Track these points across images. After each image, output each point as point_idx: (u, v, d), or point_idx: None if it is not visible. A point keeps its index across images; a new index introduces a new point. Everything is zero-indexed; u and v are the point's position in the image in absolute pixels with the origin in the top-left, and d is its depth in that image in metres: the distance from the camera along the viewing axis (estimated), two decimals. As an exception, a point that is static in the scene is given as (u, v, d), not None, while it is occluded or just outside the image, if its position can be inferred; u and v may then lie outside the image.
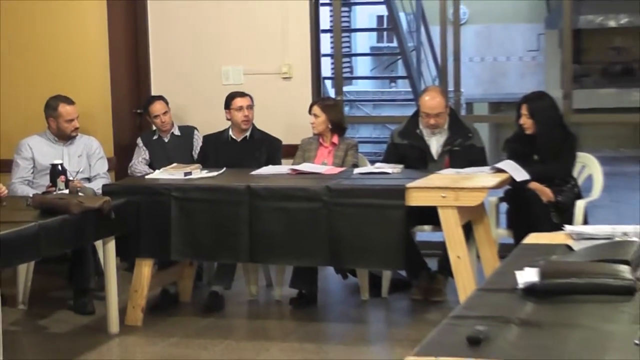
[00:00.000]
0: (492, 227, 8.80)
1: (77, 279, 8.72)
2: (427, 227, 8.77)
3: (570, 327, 4.10)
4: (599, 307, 4.36)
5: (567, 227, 6.20)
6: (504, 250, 8.54)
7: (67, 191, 7.99)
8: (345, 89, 11.79)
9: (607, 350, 3.79)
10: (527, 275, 4.64)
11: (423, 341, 4.00)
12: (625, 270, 4.71)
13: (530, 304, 4.39)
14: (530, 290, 4.51)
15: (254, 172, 8.82)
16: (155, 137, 9.76)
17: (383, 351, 8.28)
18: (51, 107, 9.09)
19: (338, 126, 9.28)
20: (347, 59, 13.76)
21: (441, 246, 8.54)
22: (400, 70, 16.13)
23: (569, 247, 5.47)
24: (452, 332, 4.03)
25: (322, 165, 8.91)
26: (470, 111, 16.38)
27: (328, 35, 11.59)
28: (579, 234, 5.81)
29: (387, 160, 9.16)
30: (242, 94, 9.52)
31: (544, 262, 4.82)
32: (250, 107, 9.47)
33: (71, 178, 8.29)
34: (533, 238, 6.07)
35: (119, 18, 10.16)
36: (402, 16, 15.55)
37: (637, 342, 3.82)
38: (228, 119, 9.48)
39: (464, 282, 7.89)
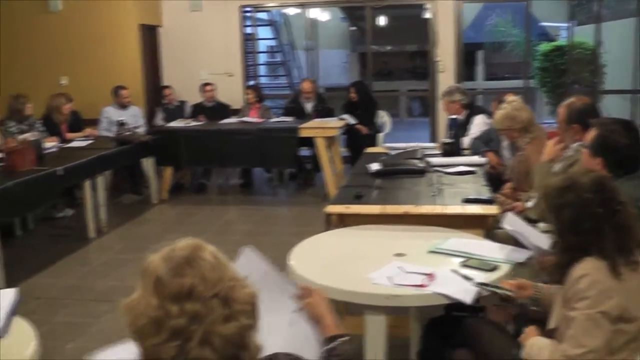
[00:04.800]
0: (339, 147, 8.87)
1: (134, 177, 8.63)
2: (305, 148, 8.76)
3: (400, 189, 4.24)
4: (411, 179, 4.50)
5: (385, 144, 6.33)
6: (345, 160, 8.73)
7: (128, 133, 7.90)
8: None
9: (420, 198, 3.91)
10: (374, 166, 4.75)
11: (332, 198, 4.09)
12: (418, 161, 4.87)
13: (379, 180, 4.50)
14: (377, 173, 4.62)
15: (221, 122, 8.78)
16: (166, 106, 9.59)
17: (290, 207, 8.41)
18: (116, 91, 8.94)
19: (260, 98, 9.25)
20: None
21: (313, 158, 8.66)
22: (281, 72, 16.03)
23: (388, 153, 5.59)
24: (345, 193, 4.12)
25: (253, 118, 8.87)
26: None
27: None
28: (390, 147, 5.93)
29: (285, 115, 9.17)
30: (208, 83, 9.44)
31: (381, 159, 4.93)
32: (213, 90, 9.42)
33: (129, 127, 8.17)
34: (369, 150, 6.17)
35: (146, 44, 9.97)
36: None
37: (432, 194, 3.95)
38: (202, 95, 9.45)
39: (327, 174, 8.00)
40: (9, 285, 4.91)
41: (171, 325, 1.42)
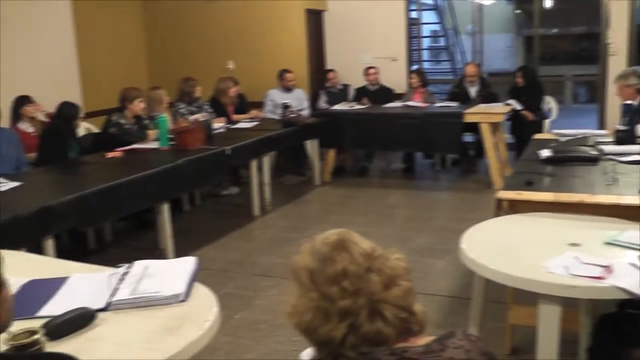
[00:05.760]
0: (503, 134, 8.65)
1: (298, 159, 8.81)
2: (468, 134, 8.60)
3: (572, 177, 4.07)
4: (584, 167, 4.32)
5: (553, 131, 6.11)
6: (509, 147, 8.54)
7: (293, 115, 8.03)
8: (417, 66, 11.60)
9: (594, 187, 3.75)
10: (545, 152, 4.59)
11: (503, 184, 3.99)
12: (590, 148, 4.68)
13: (550, 166, 4.34)
14: (548, 160, 4.47)
15: (384, 105, 8.77)
16: (329, 90, 9.69)
17: (452, 192, 8.22)
18: (281, 74, 9.14)
19: (424, 83, 9.16)
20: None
21: (476, 144, 8.52)
22: (443, 57, 15.91)
23: (557, 140, 5.39)
24: (515, 180, 4.00)
25: (417, 102, 8.79)
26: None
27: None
28: (560, 133, 5.72)
29: (449, 100, 9.02)
30: (371, 67, 9.47)
31: (551, 146, 4.77)
32: (376, 73, 9.43)
33: (294, 109, 8.29)
34: (537, 136, 5.97)
35: (311, 28, 10.10)
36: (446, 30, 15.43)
37: (607, 183, 3.78)
38: (365, 78, 9.47)
39: (491, 161, 7.85)
40: (177, 255, 5.15)
41: (338, 308, 1.46)
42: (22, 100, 7.08)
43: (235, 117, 8.48)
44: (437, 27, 15.68)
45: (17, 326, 1.88)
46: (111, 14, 9.87)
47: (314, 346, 1.52)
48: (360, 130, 8.30)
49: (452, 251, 5.34)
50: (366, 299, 1.46)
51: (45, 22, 8.42)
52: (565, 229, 3.16)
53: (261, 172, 7.21)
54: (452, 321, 4.24)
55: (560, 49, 19.97)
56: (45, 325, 2.01)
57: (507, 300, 3.78)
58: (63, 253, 4.03)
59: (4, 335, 1.78)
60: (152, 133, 6.73)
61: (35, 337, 1.85)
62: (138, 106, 6.80)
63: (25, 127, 7.03)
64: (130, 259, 2.65)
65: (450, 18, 15.35)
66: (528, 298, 2.95)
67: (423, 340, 1.50)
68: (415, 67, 10.53)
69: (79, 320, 2.13)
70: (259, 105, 9.20)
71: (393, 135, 8.15)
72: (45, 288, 2.45)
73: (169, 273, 2.44)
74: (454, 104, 8.63)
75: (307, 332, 1.51)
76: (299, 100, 9.09)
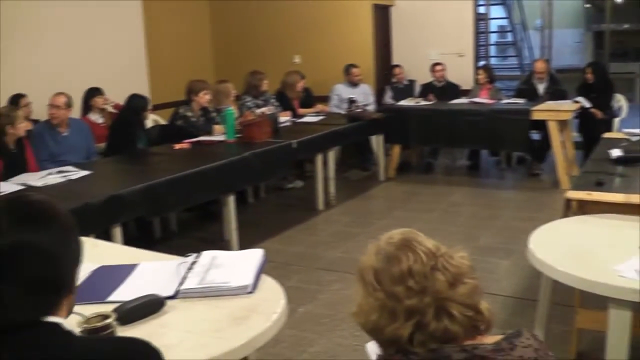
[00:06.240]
0: (571, 132, 8.48)
1: (362, 154, 8.81)
2: (534, 131, 8.41)
3: (645, 178, 3.97)
4: (657, 168, 4.20)
5: (624, 130, 5.97)
6: (576, 145, 8.38)
7: (359, 110, 8.00)
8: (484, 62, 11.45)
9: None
10: (616, 152, 4.49)
11: (571, 184, 3.92)
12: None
13: (620, 167, 4.25)
14: (619, 160, 4.37)
15: (450, 102, 8.68)
16: (395, 85, 9.64)
17: (518, 191, 8.06)
18: (347, 69, 9.13)
19: (491, 79, 9.04)
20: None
21: (542, 142, 8.36)
22: (511, 52, 15.71)
23: (628, 139, 5.27)
24: (584, 179, 3.92)
25: (484, 99, 8.67)
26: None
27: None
28: (631, 132, 5.58)
29: (516, 97, 8.86)
30: (438, 63, 9.33)
31: (622, 145, 4.67)
32: (443, 70, 9.32)
33: (359, 104, 8.26)
34: (607, 135, 5.84)
35: (378, 24, 10.05)
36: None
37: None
38: (432, 75, 9.37)
39: (558, 159, 7.72)
40: (241, 247, 5.20)
41: (404, 307, 1.46)
42: (93, 92, 7.29)
43: (301, 111, 8.52)
44: (504, 22, 15.46)
45: (88, 310, 1.93)
46: (179, 10, 10.07)
47: (380, 345, 1.52)
48: (425, 126, 8.24)
49: (517, 251, 5.30)
50: (432, 297, 1.46)
51: (118, 20, 8.62)
52: (636, 232, 3.08)
53: (326, 166, 7.22)
54: (515, 322, 4.18)
55: (631, 45, 19.46)
56: (116, 310, 2.06)
57: (573, 303, 3.71)
58: (130, 241, 4.11)
59: (79, 318, 1.83)
60: (218, 128, 6.79)
61: (108, 321, 1.89)
62: (204, 98, 6.88)
63: (95, 117, 7.22)
64: (195, 249, 2.69)
65: (518, 13, 15.11)
66: (595, 301, 2.90)
67: (491, 339, 1.50)
68: (482, 63, 10.41)
69: (149, 307, 2.17)
70: (325, 99, 9.21)
71: (459, 132, 8.07)
72: (115, 274, 2.51)
73: (236, 264, 2.47)
74: (521, 100, 8.48)
75: (373, 331, 1.51)
76: (364, 95, 9.05)
